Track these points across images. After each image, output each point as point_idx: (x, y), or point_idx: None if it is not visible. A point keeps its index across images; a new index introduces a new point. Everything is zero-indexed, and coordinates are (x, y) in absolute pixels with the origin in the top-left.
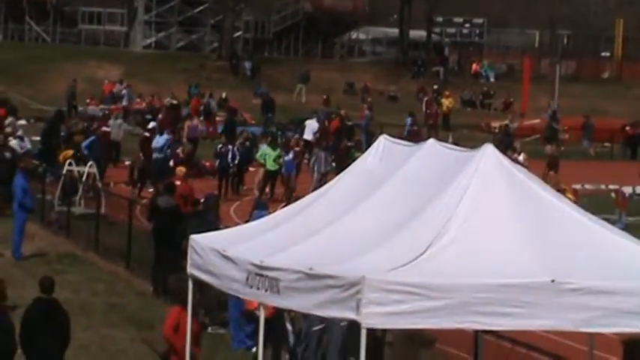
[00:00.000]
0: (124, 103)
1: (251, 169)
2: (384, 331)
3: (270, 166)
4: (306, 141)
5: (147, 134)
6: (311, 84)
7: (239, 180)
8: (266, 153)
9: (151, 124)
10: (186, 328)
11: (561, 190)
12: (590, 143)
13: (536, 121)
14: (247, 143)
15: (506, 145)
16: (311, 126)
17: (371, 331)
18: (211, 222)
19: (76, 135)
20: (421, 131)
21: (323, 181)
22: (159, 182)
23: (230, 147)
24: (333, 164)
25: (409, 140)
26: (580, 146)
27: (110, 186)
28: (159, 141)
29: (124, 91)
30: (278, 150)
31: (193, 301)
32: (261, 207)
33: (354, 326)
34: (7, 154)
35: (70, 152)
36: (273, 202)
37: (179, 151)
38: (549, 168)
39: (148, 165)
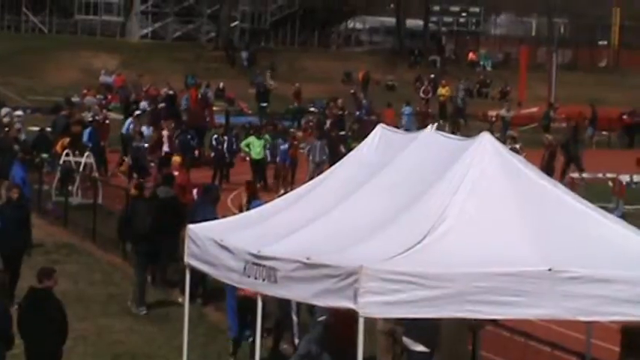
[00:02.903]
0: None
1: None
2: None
3: (256, 155)
4: None
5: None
6: (308, 74)
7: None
8: (250, 142)
9: (137, 112)
10: None
11: None
12: (594, 132)
13: (534, 109)
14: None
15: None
16: None
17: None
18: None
19: (73, 125)
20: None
21: (318, 170)
22: (160, 172)
23: (226, 137)
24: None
25: (361, 128)
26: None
27: (108, 176)
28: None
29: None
30: (263, 140)
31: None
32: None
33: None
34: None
35: (67, 140)
36: (268, 192)
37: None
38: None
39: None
